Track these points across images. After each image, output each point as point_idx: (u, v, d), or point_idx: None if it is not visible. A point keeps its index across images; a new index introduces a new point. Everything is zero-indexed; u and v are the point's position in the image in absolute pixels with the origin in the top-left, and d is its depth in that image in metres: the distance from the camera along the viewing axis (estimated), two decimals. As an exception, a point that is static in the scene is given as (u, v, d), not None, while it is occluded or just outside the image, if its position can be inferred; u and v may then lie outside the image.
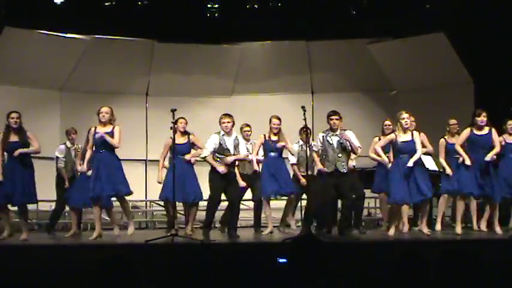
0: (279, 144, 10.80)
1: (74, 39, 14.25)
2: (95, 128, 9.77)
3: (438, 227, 10.68)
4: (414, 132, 9.99)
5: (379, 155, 10.34)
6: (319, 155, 10.28)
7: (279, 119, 10.85)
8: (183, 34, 14.36)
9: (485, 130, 9.94)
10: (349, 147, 9.96)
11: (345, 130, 10.10)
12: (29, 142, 9.78)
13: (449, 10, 13.54)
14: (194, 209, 10.72)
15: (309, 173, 10.33)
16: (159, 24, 14.06)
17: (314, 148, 10.35)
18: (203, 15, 13.92)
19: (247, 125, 11.24)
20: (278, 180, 10.82)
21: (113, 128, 9.70)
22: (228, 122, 9.99)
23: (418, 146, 9.91)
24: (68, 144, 11.31)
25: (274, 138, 10.87)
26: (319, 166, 10.21)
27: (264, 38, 15.01)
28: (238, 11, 13.97)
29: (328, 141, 10.01)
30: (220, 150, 9.90)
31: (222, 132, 9.98)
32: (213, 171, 9.95)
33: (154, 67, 15.15)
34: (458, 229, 9.95)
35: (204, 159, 9.98)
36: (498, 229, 10.04)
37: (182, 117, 10.49)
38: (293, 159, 11.12)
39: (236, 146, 10.05)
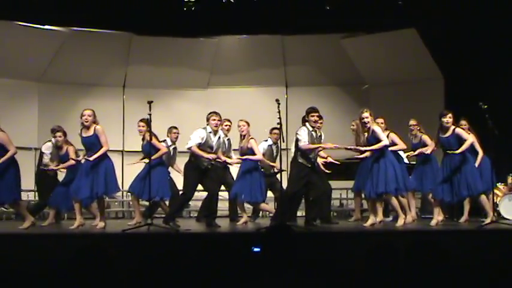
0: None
1: (52, 31, 14.15)
2: (80, 131, 9.64)
3: (409, 218, 10.67)
4: (375, 127, 9.88)
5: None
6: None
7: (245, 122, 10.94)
8: (160, 27, 14.31)
9: (450, 131, 9.77)
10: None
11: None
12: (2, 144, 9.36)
13: (420, 7, 13.59)
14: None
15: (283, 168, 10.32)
16: (136, 17, 13.98)
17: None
18: (180, 8, 13.84)
19: (228, 120, 11.14)
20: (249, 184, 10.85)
21: (94, 130, 9.47)
22: (218, 120, 9.99)
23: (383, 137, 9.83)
24: (53, 141, 11.23)
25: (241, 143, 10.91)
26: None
27: (240, 31, 15.02)
28: (214, 5, 13.91)
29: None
30: (204, 147, 9.84)
31: (209, 129, 9.93)
32: (189, 165, 9.97)
33: (131, 59, 15.10)
34: (433, 222, 9.87)
35: (189, 149, 9.91)
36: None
37: (142, 120, 10.46)
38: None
39: (219, 145, 10.07)
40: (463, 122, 10.49)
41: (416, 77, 14.29)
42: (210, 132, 9.92)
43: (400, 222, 9.85)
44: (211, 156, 9.80)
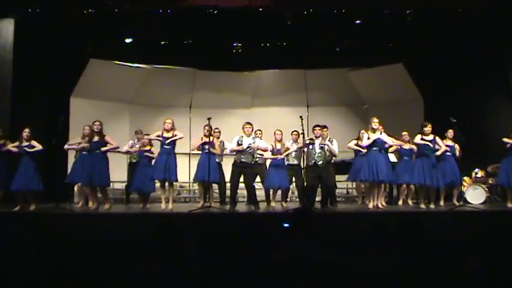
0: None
1: (139, 68, 14.33)
2: (162, 132, 9.91)
3: (400, 202, 10.65)
4: (384, 134, 9.86)
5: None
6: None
7: (280, 131, 10.87)
8: (216, 64, 14.40)
9: (430, 137, 9.93)
10: (328, 151, 10.15)
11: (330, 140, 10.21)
12: (107, 142, 9.68)
13: (405, 48, 13.53)
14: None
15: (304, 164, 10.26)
16: (199, 57, 14.10)
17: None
18: (230, 51, 13.91)
19: (260, 130, 11.08)
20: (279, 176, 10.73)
21: (173, 134, 9.89)
22: (249, 127, 10.21)
23: (388, 141, 9.84)
24: (136, 141, 11.37)
25: (277, 145, 10.83)
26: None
27: (274, 67, 15.03)
28: (255, 48, 13.96)
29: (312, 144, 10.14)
30: (239, 146, 10.12)
31: (242, 135, 10.14)
32: (234, 163, 10.16)
33: (196, 87, 15.19)
34: (422, 205, 9.96)
35: (230, 151, 10.32)
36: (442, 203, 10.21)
37: (207, 125, 10.30)
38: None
39: (249, 145, 10.09)
40: (450, 131, 10.39)
41: (403, 99, 14.13)
42: (242, 136, 10.16)
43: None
44: (240, 148, 10.04)
